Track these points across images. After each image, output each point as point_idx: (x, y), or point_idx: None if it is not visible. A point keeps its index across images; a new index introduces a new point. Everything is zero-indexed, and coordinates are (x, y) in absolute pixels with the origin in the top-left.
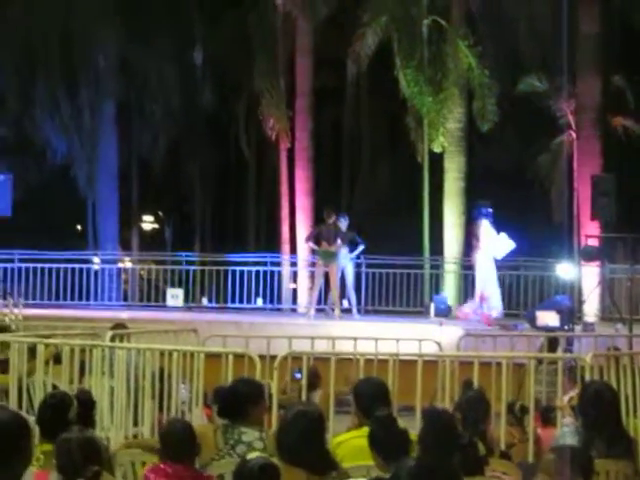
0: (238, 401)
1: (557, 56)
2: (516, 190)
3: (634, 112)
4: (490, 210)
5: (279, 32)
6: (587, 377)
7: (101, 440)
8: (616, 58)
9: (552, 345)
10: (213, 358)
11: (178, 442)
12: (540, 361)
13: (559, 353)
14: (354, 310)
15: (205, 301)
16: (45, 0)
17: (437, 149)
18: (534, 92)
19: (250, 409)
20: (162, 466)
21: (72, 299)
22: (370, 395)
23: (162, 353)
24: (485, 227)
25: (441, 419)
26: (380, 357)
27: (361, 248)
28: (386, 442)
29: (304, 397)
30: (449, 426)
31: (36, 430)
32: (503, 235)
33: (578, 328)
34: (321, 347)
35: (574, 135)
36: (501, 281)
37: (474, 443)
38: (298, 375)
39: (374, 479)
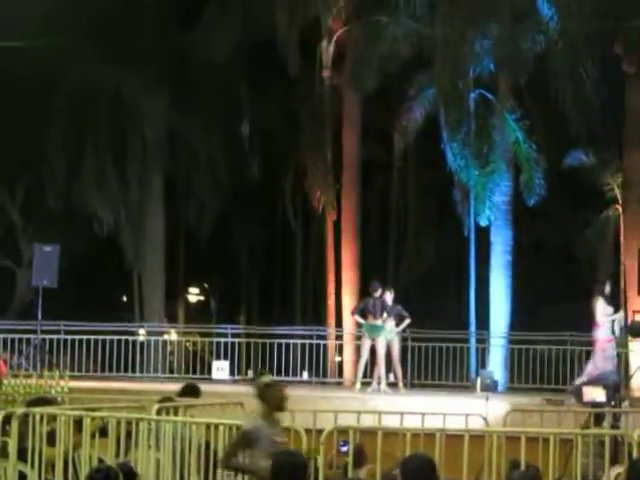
0: (281, 476)
1: (604, 131)
2: (563, 263)
3: None
4: (607, 287)
5: (326, 104)
6: (634, 453)
7: None
8: None
9: (598, 420)
10: None
11: None
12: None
13: (605, 428)
14: (400, 384)
15: (251, 374)
16: (95, 72)
17: (483, 223)
18: (581, 166)
19: None
20: None
21: (118, 371)
22: (418, 471)
23: (208, 426)
24: (601, 305)
25: None
26: (426, 432)
27: (407, 322)
28: None
29: (350, 473)
30: None
31: None
32: (620, 316)
33: (625, 404)
34: (367, 421)
35: (620, 209)
36: (547, 356)
37: None
38: (344, 448)
39: None
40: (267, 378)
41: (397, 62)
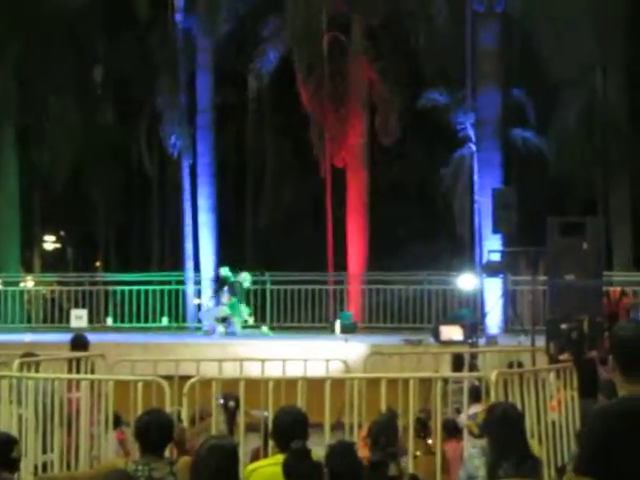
0: (147, 437)
1: (457, 71)
2: (419, 204)
3: (533, 125)
4: None
5: (179, 48)
6: (492, 394)
7: None
8: (515, 72)
9: (457, 362)
10: (122, 382)
11: None
12: (446, 380)
13: (464, 371)
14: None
15: (110, 321)
16: None
17: (339, 164)
18: (435, 106)
19: (159, 445)
20: None
21: None
22: (288, 426)
23: (71, 381)
24: None
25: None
26: (288, 379)
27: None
28: (300, 474)
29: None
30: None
31: None
32: None
33: (482, 341)
34: (229, 369)
35: (474, 148)
36: (405, 296)
37: (385, 463)
38: (221, 401)
39: None
40: None
41: (249, 4)
